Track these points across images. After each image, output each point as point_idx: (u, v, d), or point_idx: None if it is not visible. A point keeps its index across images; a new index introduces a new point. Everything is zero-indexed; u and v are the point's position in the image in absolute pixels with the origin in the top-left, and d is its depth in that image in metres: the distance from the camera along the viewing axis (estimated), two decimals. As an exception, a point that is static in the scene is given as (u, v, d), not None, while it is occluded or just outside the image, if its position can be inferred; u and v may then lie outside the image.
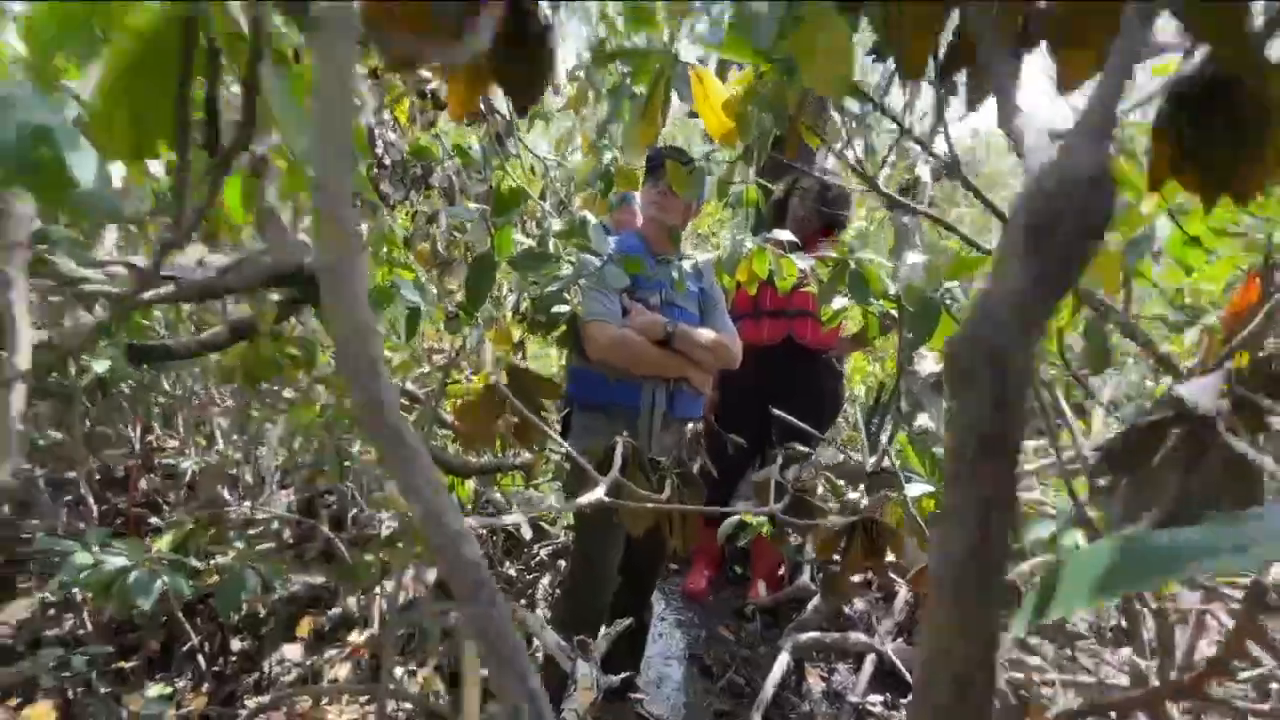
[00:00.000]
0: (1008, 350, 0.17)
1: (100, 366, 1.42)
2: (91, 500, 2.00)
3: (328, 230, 0.21)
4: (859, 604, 2.57)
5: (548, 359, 3.41)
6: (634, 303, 1.67)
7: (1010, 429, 0.17)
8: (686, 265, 1.49)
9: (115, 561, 1.51)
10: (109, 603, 1.51)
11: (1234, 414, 0.36)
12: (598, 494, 0.80)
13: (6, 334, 0.79)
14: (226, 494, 2.51)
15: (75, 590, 1.80)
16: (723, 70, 0.72)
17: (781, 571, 2.77)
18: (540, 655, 1.93)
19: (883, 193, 0.89)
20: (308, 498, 2.88)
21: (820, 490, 1.57)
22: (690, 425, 1.86)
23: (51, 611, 2.09)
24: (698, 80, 0.74)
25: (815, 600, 2.44)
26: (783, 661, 2.05)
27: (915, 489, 1.38)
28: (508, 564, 2.70)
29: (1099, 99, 0.19)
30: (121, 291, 0.91)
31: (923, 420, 1.90)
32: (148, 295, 0.93)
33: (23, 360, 0.64)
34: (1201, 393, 0.37)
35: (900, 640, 2.19)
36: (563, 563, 2.70)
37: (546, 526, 2.58)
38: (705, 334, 1.69)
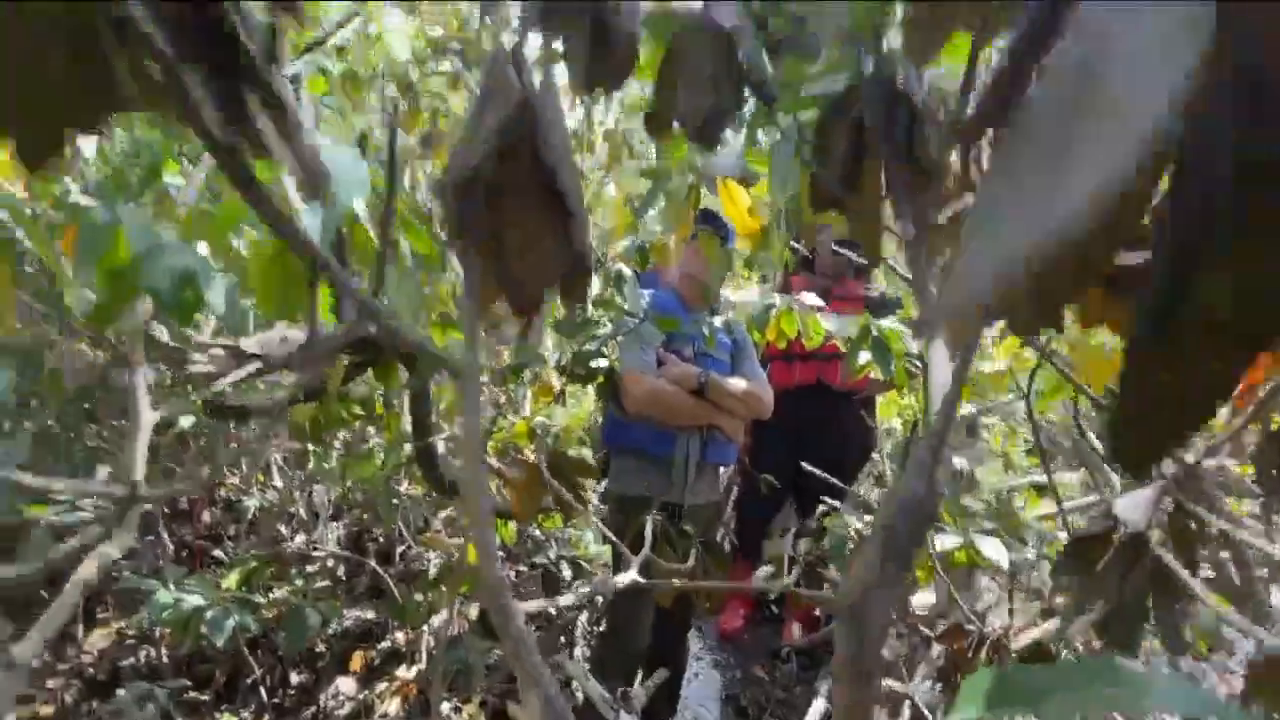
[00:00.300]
0: (865, 611, 0.26)
1: (186, 422, 1.57)
2: (167, 538, 2.17)
3: (471, 510, 0.30)
4: (899, 646, 2.56)
5: (585, 396, 3.52)
6: (668, 355, 1.77)
7: (867, 657, 0.26)
8: (718, 321, 1.57)
9: (192, 600, 1.65)
10: (186, 638, 1.65)
11: (1171, 525, 0.42)
12: (631, 574, 0.88)
13: (130, 413, 0.93)
14: (283, 529, 2.66)
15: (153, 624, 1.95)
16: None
17: (817, 612, 2.78)
18: (579, 694, 1.99)
19: (900, 275, 0.97)
20: (356, 532, 3.02)
21: (852, 532, 1.61)
22: (723, 470, 1.92)
23: (129, 642, 2.25)
24: (724, 187, 0.83)
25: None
26: (818, 707, 2.06)
27: (945, 541, 1.42)
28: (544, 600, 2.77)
29: (930, 437, 0.27)
30: (219, 369, 1.05)
31: (956, 462, 1.92)
32: (241, 372, 1.06)
33: (139, 474, 0.78)
34: (1134, 509, 0.43)
35: (937, 688, 2.18)
36: (600, 599, 2.75)
37: (585, 565, 2.66)
38: (737, 384, 1.76)
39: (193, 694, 1.95)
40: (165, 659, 1.96)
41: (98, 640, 2.32)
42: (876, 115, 0.37)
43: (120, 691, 1.92)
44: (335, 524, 2.91)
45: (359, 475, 1.68)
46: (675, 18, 0.42)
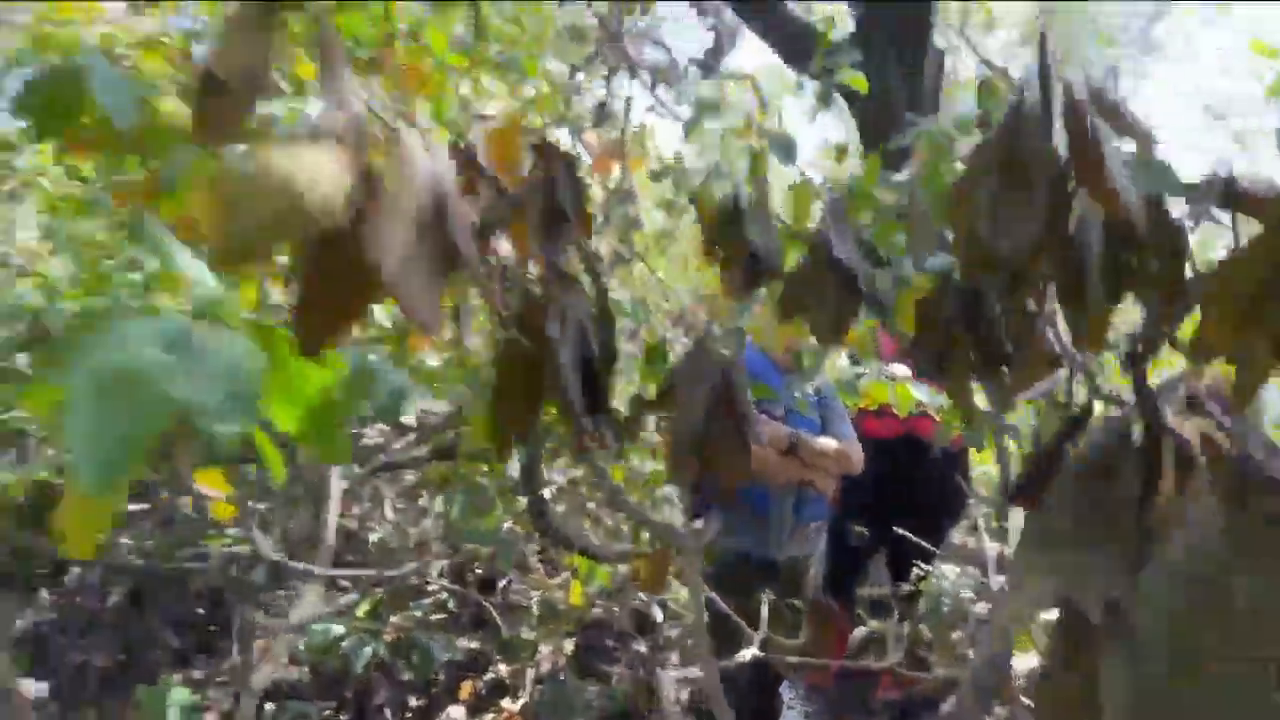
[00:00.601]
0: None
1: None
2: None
3: (699, 644, 0.42)
4: (1001, 713, 2.48)
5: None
6: (759, 414, 1.86)
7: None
8: (809, 387, 1.66)
9: (336, 630, 1.87)
10: (332, 658, 1.87)
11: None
12: (753, 650, 0.99)
13: (322, 487, 1.13)
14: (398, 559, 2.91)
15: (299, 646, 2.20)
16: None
17: (910, 666, 2.73)
18: None
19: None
20: (459, 564, 3.24)
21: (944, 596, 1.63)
22: (814, 524, 1.99)
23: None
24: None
25: (949, 703, 2.39)
26: (914, 766, 2.04)
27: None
28: (636, 640, 2.87)
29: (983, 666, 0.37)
30: (386, 440, 1.25)
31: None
32: (401, 442, 1.26)
33: (331, 535, 0.97)
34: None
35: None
36: (690, 642, 2.82)
37: (675, 607, 2.74)
38: (827, 444, 1.83)
39: (328, 714, 2.17)
40: (306, 678, 2.20)
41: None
42: (963, 315, 0.47)
43: (269, 705, 2.17)
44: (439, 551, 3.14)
45: (480, 528, 1.86)
46: (804, 239, 0.54)
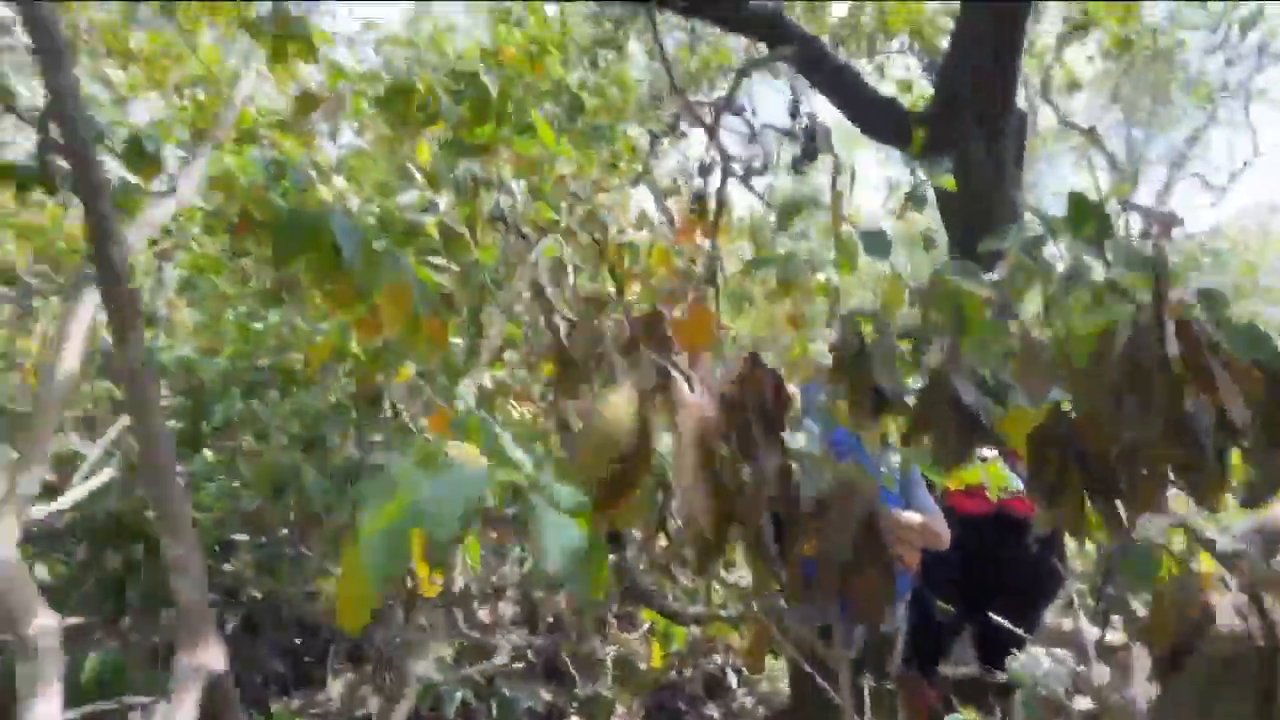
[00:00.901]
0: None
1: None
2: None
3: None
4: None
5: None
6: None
7: None
8: (894, 459, 1.68)
9: (431, 675, 1.98)
10: (426, 700, 1.97)
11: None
12: None
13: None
14: (475, 604, 3.02)
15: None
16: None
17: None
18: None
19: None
20: (531, 609, 3.32)
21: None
22: (898, 598, 1.96)
23: (360, 694, 2.66)
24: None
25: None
26: None
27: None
28: (710, 705, 2.84)
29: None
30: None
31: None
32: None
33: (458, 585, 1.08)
34: None
35: None
36: (763, 710, 2.78)
37: (749, 674, 2.72)
38: (913, 518, 1.83)
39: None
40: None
41: (335, 688, 2.76)
42: (1073, 451, 0.53)
43: (360, 741, 2.29)
44: (512, 597, 3.23)
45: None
46: (926, 374, 0.62)
